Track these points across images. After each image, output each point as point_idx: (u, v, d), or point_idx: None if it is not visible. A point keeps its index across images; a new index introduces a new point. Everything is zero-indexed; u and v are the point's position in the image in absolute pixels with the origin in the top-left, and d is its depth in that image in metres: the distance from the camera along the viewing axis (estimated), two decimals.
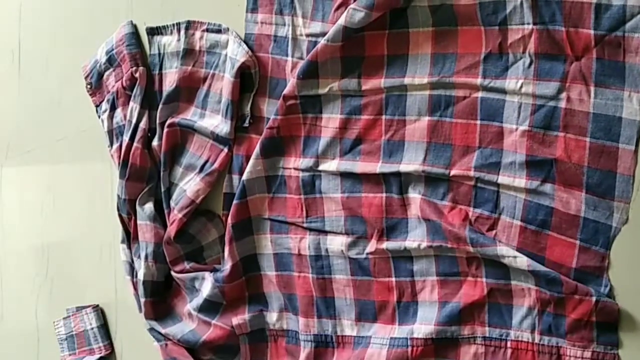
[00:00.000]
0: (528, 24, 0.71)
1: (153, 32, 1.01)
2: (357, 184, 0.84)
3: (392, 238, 0.82)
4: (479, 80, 0.75)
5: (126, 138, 1.00)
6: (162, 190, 0.98)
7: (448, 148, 0.78)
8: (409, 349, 0.79)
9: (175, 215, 0.95)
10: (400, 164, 0.80)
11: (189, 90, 0.97)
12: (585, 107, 0.69)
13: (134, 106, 0.99)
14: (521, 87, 0.72)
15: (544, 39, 0.71)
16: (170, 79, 0.98)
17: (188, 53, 0.96)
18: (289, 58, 0.88)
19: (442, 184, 0.78)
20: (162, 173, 0.97)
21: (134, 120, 0.99)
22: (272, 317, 0.92)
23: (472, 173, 0.76)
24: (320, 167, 0.86)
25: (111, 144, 1.06)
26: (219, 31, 0.94)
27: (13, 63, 1.33)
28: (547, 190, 0.72)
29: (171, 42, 0.98)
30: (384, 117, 0.82)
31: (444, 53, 0.78)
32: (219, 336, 0.93)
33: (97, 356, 1.15)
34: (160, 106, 0.98)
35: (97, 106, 1.09)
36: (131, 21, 1.05)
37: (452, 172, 0.77)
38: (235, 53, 0.90)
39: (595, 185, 0.69)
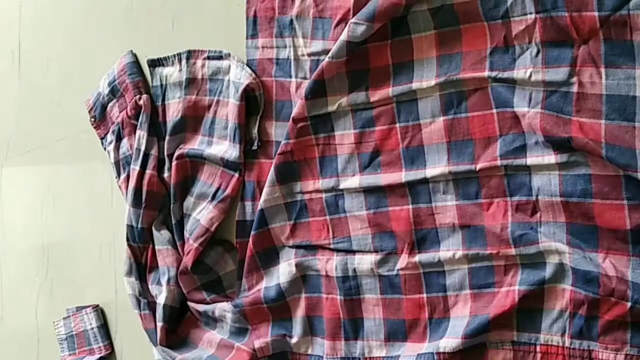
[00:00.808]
0: (530, 13, 0.71)
1: (154, 63, 1.02)
2: (382, 198, 0.82)
3: (424, 250, 0.80)
4: (486, 73, 0.74)
5: (135, 167, 0.98)
6: (173, 222, 0.97)
7: (469, 143, 0.77)
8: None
9: (191, 245, 0.94)
10: (426, 169, 0.79)
11: (194, 119, 0.96)
12: (598, 89, 0.68)
13: (142, 134, 0.98)
14: (530, 76, 0.71)
15: (548, 26, 0.70)
16: (173, 109, 0.97)
17: (191, 82, 0.96)
18: (293, 79, 0.89)
19: (472, 182, 0.77)
20: (172, 205, 0.97)
21: (142, 148, 0.98)
22: (297, 341, 0.89)
23: (499, 162, 0.75)
24: (342, 186, 0.84)
25: (118, 175, 1.05)
26: (220, 57, 0.94)
27: (13, 63, 1.33)
28: (580, 159, 0.70)
29: (173, 73, 0.98)
30: (397, 125, 0.81)
31: (450, 54, 0.77)
32: None
33: (97, 356, 1.14)
34: (167, 137, 0.97)
35: (102, 139, 1.08)
36: (131, 51, 1.05)
37: (479, 166, 0.76)
38: (239, 77, 0.90)
39: (615, 158, 0.67)
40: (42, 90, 1.27)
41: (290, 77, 0.89)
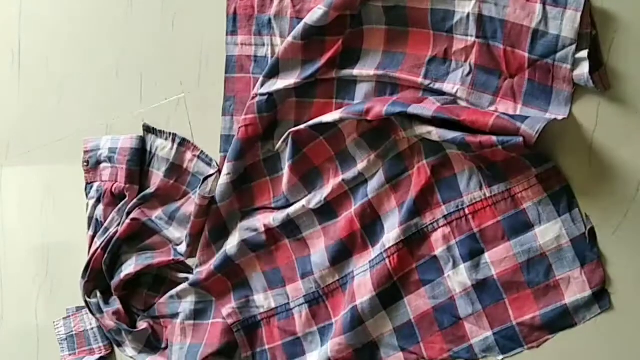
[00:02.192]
0: (472, 36, 0.77)
1: (149, 130, 1.07)
2: (302, 145, 0.88)
3: (346, 170, 0.86)
4: (420, 80, 0.80)
5: (97, 241, 1.08)
6: (104, 269, 1.06)
7: (401, 56, 0.83)
8: (387, 261, 0.82)
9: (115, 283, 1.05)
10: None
11: (165, 197, 1.03)
12: None
13: (115, 217, 1.07)
14: (457, 92, 0.78)
15: (484, 52, 0.76)
16: (154, 180, 1.05)
17: (174, 168, 1.03)
18: None
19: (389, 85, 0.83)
20: (106, 255, 1.06)
21: (111, 230, 1.07)
22: (259, 299, 0.94)
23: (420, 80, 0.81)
24: (277, 146, 0.90)
25: (89, 228, 1.12)
26: (209, 164, 1.00)
27: (13, 63, 1.33)
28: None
29: (164, 147, 1.04)
30: (334, 101, 0.87)
31: (394, 52, 0.83)
32: (217, 337, 0.95)
33: (97, 356, 1.14)
34: (134, 201, 1.04)
35: (87, 184, 1.13)
36: (141, 137, 1.07)
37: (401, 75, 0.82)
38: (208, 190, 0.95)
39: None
40: (42, 90, 1.27)
41: None
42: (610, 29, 0.68)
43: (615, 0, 0.68)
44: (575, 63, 0.69)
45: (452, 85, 0.78)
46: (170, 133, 1.04)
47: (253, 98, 0.90)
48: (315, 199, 0.87)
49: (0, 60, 1.36)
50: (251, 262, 0.94)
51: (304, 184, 0.89)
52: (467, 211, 0.78)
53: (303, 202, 0.88)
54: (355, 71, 0.84)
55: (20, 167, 1.34)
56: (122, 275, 1.03)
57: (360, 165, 0.84)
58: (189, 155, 1.02)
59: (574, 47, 0.69)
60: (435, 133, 0.74)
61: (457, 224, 0.79)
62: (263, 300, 0.94)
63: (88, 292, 1.08)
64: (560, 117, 0.70)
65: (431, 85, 0.79)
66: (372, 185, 0.84)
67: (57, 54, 1.24)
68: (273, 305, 0.93)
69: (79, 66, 1.20)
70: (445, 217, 0.79)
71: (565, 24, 0.69)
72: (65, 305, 1.20)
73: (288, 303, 0.92)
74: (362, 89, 0.85)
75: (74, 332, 1.18)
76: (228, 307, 0.95)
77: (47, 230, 1.28)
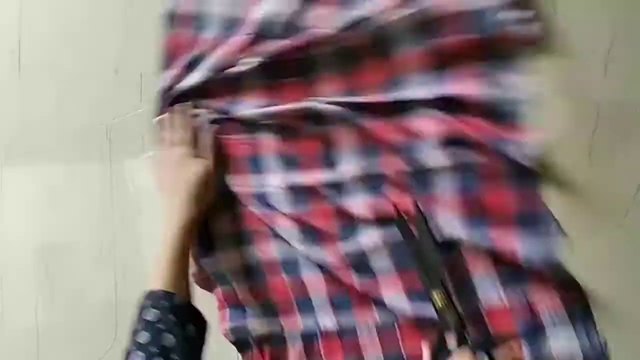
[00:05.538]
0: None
1: None
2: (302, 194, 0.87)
3: (348, 245, 0.83)
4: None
5: None
6: None
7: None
8: (397, 330, 0.81)
9: None
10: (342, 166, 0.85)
11: None
12: None
13: None
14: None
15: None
16: None
17: None
18: None
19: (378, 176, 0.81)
20: None
21: None
22: (253, 325, 0.92)
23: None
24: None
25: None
26: None
27: (13, 63, 1.33)
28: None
29: None
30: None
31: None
32: None
33: None
34: None
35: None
36: None
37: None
38: None
39: None
40: (42, 90, 1.27)
41: None
42: (610, 29, 0.68)
43: (615, 1, 0.68)
44: None
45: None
46: None
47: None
48: (314, 250, 0.86)
49: (0, 60, 1.36)
50: (245, 290, 0.93)
51: (299, 234, 0.88)
52: (484, 312, 0.76)
53: (299, 243, 0.87)
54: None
55: (20, 167, 1.34)
56: None
57: (364, 244, 0.82)
58: None
59: None
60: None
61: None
62: (257, 326, 0.92)
63: None
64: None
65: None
66: (379, 266, 0.82)
67: (57, 54, 1.24)
68: (267, 332, 0.91)
69: (78, 66, 1.20)
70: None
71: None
72: (65, 305, 1.20)
73: (282, 334, 0.90)
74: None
75: None
76: (224, 326, 0.95)
77: (47, 230, 1.28)
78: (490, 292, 0.74)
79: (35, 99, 1.29)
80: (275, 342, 0.91)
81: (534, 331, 0.72)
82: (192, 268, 0.95)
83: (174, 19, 0.95)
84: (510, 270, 0.72)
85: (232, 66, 0.86)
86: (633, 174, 0.67)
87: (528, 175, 0.70)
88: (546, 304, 0.71)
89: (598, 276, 0.70)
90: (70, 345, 1.23)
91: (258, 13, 0.83)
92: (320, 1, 0.81)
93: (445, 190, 0.75)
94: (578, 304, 0.70)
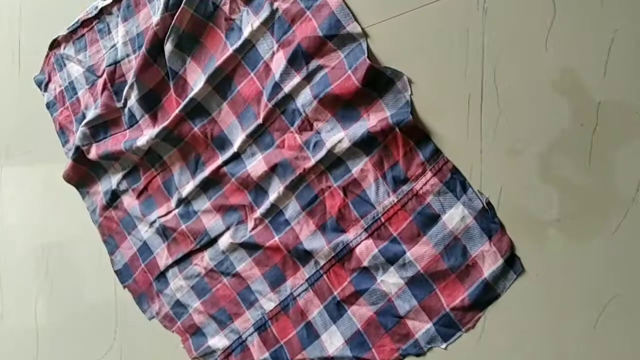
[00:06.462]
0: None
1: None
2: (216, 185, 0.97)
3: (260, 204, 0.93)
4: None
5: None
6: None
7: (249, 107, 0.92)
8: (324, 277, 0.88)
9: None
10: (233, 146, 0.95)
11: None
12: None
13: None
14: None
15: None
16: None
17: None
18: None
19: (265, 134, 0.91)
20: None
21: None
22: (214, 343, 1.01)
23: (270, 105, 0.88)
24: (186, 194, 1.02)
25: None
26: None
27: (13, 63, 1.34)
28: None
29: None
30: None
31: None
32: None
33: None
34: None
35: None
36: None
37: (261, 118, 0.90)
38: None
39: None
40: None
41: None
42: (610, 29, 0.68)
43: (615, 1, 0.68)
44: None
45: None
46: None
47: None
48: (239, 232, 0.95)
49: (0, 60, 1.36)
50: (199, 309, 1.02)
51: (224, 221, 0.97)
52: (382, 219, 0.83)
53: (227, 235, 0.96)
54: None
55: (20, 167, 1.34)
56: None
57: (272, 197, 0.90)
58: None
59: None
60: (346, 139, 0.82)
61: (379, 233, 0.83)
62: (218, 342, 1.00)
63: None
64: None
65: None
66: (290, 214, 0.90)
67: None
68: (227, 343, 0.99)
69: None
70: (365, 229, 0.84)
71: None
72: (65, 305, 1.20)
73: (240, 337, 0.97)
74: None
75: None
76: (187, 346, 1.04)
77: (47, 230, 1.28)
78: None
79: (35, 99, 1.29)
80: (237, 348, 0.97)
81: None
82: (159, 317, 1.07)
83: (49, 105, 1.18)
84: None
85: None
86: (633, 174, 0.68)
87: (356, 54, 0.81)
88: (428, 188, 0.80)
89: (598, 276, 0.70)
90: (70, 345, 1.24)
91: None
92: None
93: (307, 100, 0.86)
94: (450, 176, 0.79)
